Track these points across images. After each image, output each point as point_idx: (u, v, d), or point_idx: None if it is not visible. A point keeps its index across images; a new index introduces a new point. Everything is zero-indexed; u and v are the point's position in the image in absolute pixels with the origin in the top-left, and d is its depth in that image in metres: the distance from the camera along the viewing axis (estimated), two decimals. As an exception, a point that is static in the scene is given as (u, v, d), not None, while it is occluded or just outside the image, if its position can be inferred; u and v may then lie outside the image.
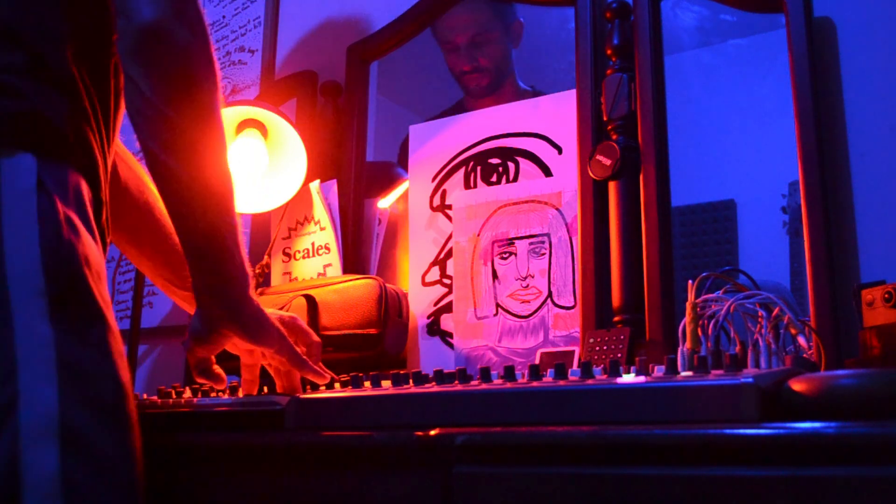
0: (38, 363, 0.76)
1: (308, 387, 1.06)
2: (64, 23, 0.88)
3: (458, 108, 1.65)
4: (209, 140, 0.89)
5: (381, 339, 1.37)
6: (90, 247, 0.84)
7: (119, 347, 0.84)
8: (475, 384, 0.90)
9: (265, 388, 1.06)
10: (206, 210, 0.89)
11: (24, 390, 0.74)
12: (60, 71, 0.87)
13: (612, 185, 1.29)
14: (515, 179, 1.45)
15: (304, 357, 1.01)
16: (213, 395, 1.11)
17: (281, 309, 1.40)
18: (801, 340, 1.02)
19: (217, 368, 1.01)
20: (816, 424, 0.68)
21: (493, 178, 1.47)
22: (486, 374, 0.92)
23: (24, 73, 0.83)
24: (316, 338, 1.06)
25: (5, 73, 0.82)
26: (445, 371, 0.95)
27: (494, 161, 1.48)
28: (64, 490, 0.74)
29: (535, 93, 1.54)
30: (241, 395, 1.05)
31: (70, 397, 0.76)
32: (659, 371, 0.83)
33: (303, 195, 1.62)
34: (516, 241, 1.39)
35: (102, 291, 0.84)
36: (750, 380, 0.72)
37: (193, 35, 0.87)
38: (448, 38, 1.65)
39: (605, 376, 0.85)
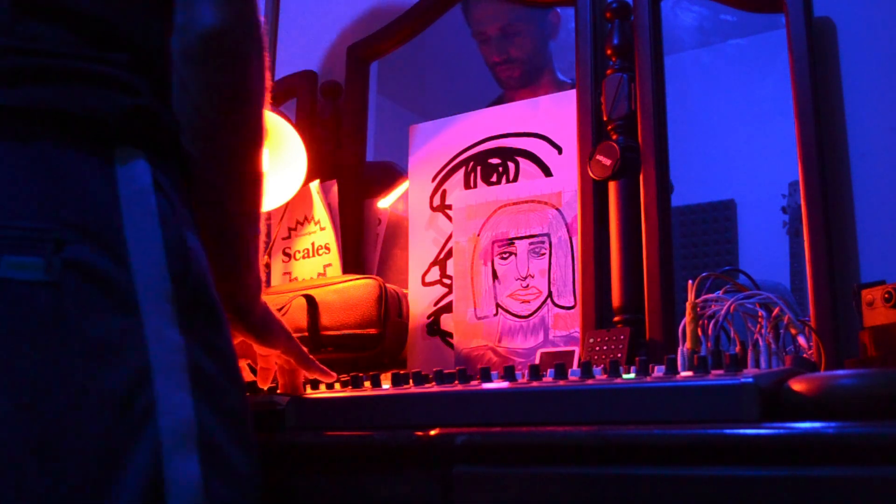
0: (172, 370, 0.73)
1: (308, 386, 1.06)
2: (154, 20, 0.85)
3: (498, 103, 1.62)
4: (250, 151, 0.87)
5: (381, 339, 1.37)
6: (200, 247, 0.83)
7: (234, 349, 0.83)
8: (475, 384, 0.90)
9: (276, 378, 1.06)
10: (234, 217, 0.88)
11: (162, 396, 0.72)
12: (158, 68, 0.84)
13: (612, 185, 1.29)
14: (515, 179, 1.45)
15: (311, 357, 1.01)
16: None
17: (280, 310, 1.41)
18: (801, 340, 1.03)
19: None
20: (816, 424, 0.69)
21: (493, 178, 1.47)
22: (486, 374, 0.92)
23: (131, 69, 0.81)
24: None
25: (116, 68, 0.79)
26: (445, 371, 0.95)
27: (494, 161, 1.48)
28: (207, 499, 0.72)
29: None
30: (258, 383, 1.05)
31: (203, 405, 0.75)
32: (659, 371, 0.83)
33: (303, 195, 1.62)
34: (516, 241, 1.39)
35: (215, 293, 0.82)
36: (750, 380, 0.72)
37: (253, 46, 0.85)
38: (479, 30, 1.63)
39: (605, 376, 0.85)
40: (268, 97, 0.89)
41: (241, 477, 0.78)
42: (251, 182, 0.89)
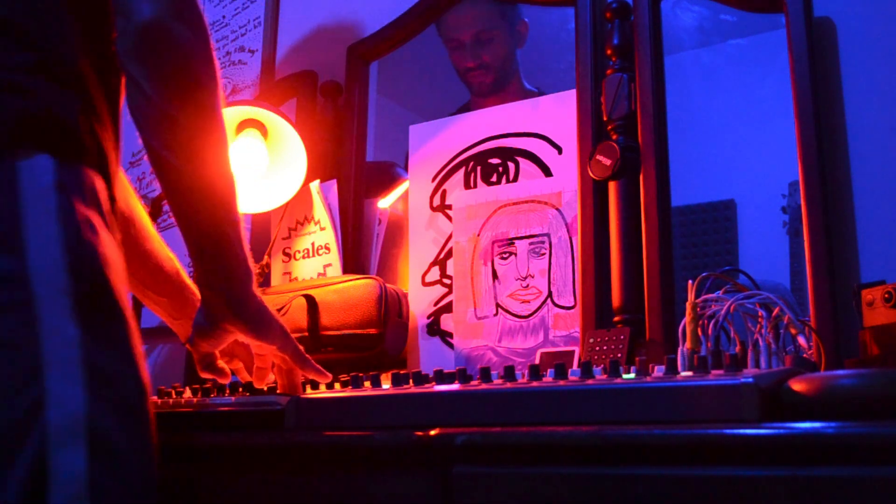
0: (65, 363, 0.75)
1: (308, 386, 1.06)
2: (69, 21, 0.88)
3: (465, 110, 1.64)
4: (211, 137, 0.89)
5: (381, 339, 1.37)
6: (109, 246, 0.84)
7: (139, 347, 0.84)
8: (475, 384, 0.90)
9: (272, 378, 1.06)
10: (208, 206, 0.89)
11: (52, 390, 0.74)
12: (69, 69, 0.87)
13: (612, 185, 1.29)
14: (515, 179, 1.45)
15: (307, 356, 1.01)
16: (213, 395, 1.11)
17: (280, 310, 1.41)
18: (801, 340, 1.03)
19: (221, 363, 1.02)
20: (816, 424, 0.69)
21: (493, 178, 1.47)
22: (486, 374, 0.92)
23: (35, 72, 0.83)
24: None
25: (16, 72, 0.82)
26: (445, 371, 0.95)
27: (494, 161, 1.48)
28: (91, 492, 0.73)
29: (541, 94, 1.54)
30: (254, 384, 1.05)
31: (95, 398, 0.76)
32: (659, 371, 0.83)
33: (303, 195, 1.62)
34: (516, 241, 1.39)
35: (122, 291, 0.84)
36: (750, 380, 0.72)
37: (193, 33, 0.87)
38: (452, 36, 1.64)
39: (605, 376, 0.85)
40: (219, 82, 0.90)
41: (132, 470, 0.78)
42: (219, 168, 0.90)
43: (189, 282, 1.17)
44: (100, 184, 0.87)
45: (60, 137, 0.83)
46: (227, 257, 0.91)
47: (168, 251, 1.17)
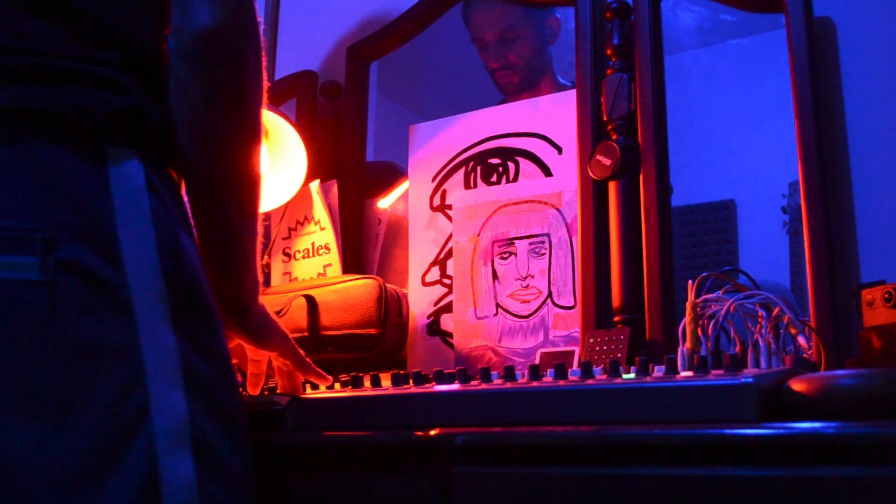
0: (165, 370, 0.74)
1: (308, 387, 1.06)
2: (148, 18, 0.85)
3: None
4: (247, 151, 0.87)
5: (381, 339, 1.37)
6: (194, 247, 0.83)
7: (227, 349, 0.83)
8: (475, 384, 0.90)
9: (271, 383, 1.06)
10: (231, 217, 0.87)
11: (155, 396, 0.72)
12: (150, 67, 0.84)
13: (612, 185, 1.29)
14: (515, 179, 1.45)
15: (308, 360, 1.01)
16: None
17: (280, 310, 1.41)
18: (801, 340, 1.03)
19: None
20: (816, 424, 0.69)
21: (493, 178, 1.47)
22: (486, 374, 0.92)
23: (122, 68, 0.80)
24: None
25: (107, 67, 0.79)
26: (445, 371, 0.95)
27: (494, 161, 1.48)
28: (202, 500, 0.73)
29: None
30: (247, 391, 1.05)
31: (196, 405, 0.75)
32: (659, 371, 0.83)
33: (303, 195, 1.62)
34: (516, 241, 1.39)
35: (209, 293, 0.82)
36: (750, 380, 0.72)
37: (250, 45, 0.84)
38: (478, 36, 1.63)
39: (605, 376, 0.85)
40: (265, 97, 0.89)
41: (234, 476, 0.78)
42: (249, 182, 0.88)
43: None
44: (179, 183, 0.85)
45: (150, 137, 0.81)
46: (241, 268, 0.89)
47: None
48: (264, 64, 0.88)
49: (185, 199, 0.87)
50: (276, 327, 0.96)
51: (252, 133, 0.87)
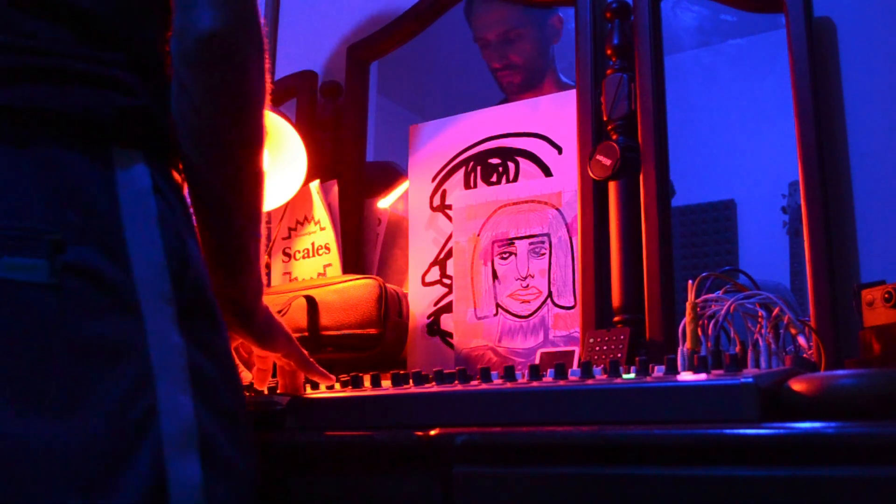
0: (173, 371, 0.74)
1: (308, 386, 1.06)
2: (147, 16, 0.85)
3: None
4: (251, 154, 0.87)
5: (381, 339, 1.37)
6: (198, 249, 0.82)
7: (231, 350, 0.84)
8: (475, 384, 0.90)
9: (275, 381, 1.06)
10: (234, 220, 0.87)
11: (163, 398, 0.72)
12: (155, 68, 0.84)
13: (612, 185, 1.29)
14: (515, 179, 1.45)
15: (311, 360, 1.01)
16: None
17: (280, 310, 1.41)
18: (801, 340, 1.03)
19: None
20: (816, 424, 0.69)
21: (493, 178, 1.47)
22: (486, 374, 0.92)
23: (128, 69, 0.80)
24: None
25: (113, 67, 0.79)
26: (445, 371, 0.95)
27: (494, 161, 1.48)
28: (207, 502, 0.73)
29: None
30: (254, 385, 1.05)
31: (203, 407, 0.75)
32: (659, 371, 0.83)
33: (303, 195, 1.62)
34: (516, 241, 1.39)
35: (213, 295, 0.82)
36: (750, 380, 0.72)
37: (253, 48, 0.84)
38: (480, 35, 1.64)
39: (605, 376, 0.85)
40: (268, 99, 0.89)
41: (240, 477, 0.78)
42: (252, 184, 0.88)
43: None
44: (182, 185, 0.85)
45: (156, 138, 0.81)
46: (245, 272, 0.89)
47: None
48: (267, 66, 0.87)
49: (189, 201, 0.87)
50: (280, 329, 0.96)
51: (255, 136, 0.87)
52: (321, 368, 1.02)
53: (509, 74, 1.61)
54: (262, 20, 0.87)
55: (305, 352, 1.01)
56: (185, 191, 0.88)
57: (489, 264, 1.40)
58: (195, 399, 0.74)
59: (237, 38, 0.82)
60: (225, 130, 0.84)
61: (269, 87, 0.88)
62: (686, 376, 0.78)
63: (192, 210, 0.89)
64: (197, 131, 0.83)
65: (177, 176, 0.85)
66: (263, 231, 0.91)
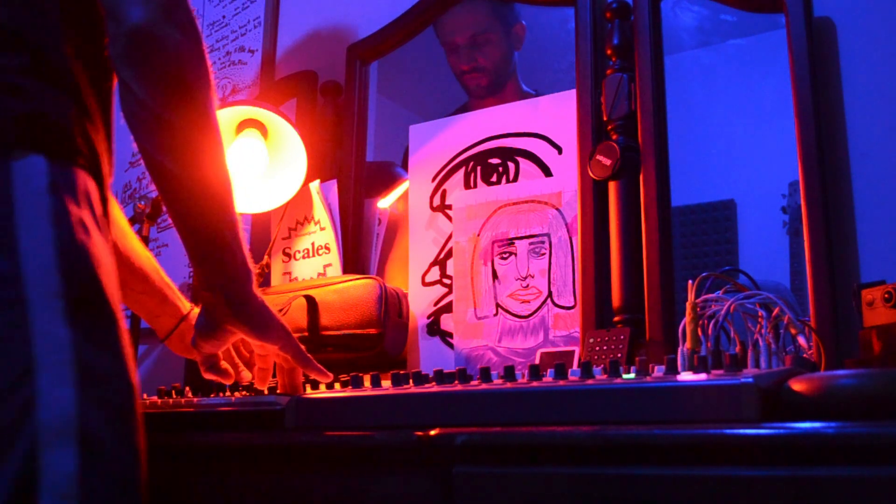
0: (56, 365, 0.75)
1: (308, 386, 1.06)
2: (62, 22, 0.88)
3: (463, 111, 1.65)
4: (205, 140, 0.89)
5: (381, 339, 1.37)
6: (101, 247, 0.84)
7: (129, 348, 0.85)
8: (475, 384, 0.90)
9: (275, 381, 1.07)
10: (205, 209, 0.89)
11: (42, 391, 0.74)
12: (62, 70, 0.87)
13: (612, 185, 1.29)
14: (515, 179, 1.45)
15: (309, 355, 1.01)
16: (213, 395, 1.12)
17: (280, 310, 1.41)
18: (801, 340, 1.02)
19: (224, 364, 1.03)
20: (816, 424, 0.69)
21: (493, 178, 1.47)
22: (486, 374, 0.92)
23: (28, 73, 0.83)
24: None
25: (10, 73, 0.82)
26: (445, 371, 0.95)
27: (494, 161, 1.48)
28: (81, 492, 0.74)
29: (538, 95, 1.54)
30: (255, 385, 1.05)
31: (86, 400, 0.76)
32: (659, 371, 0.83)
33: (303, 195, 1.62)
34: (516, 241, 1.39)
35: (113, 292, 0.84)
36: (750, 380, 0.72)
37: (184, 36, 0.86)
38: (448, 39, 1.65)
39: (605, 376, 0.85)
40: (212, 81, 0.90)
41: (121, 471, 0.79)
42: (213, 168, 0.90)
43: (168, 280, 1.18)
44: (92, 185, 0.87)
45: (54, 139, 0.83)
46: (226, 259, 0.91)
47: (144, 249, 1.17)
48: (205, 51, 0.89)
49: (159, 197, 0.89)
50: (275, 320, 0.97)
51: (204, 120, 0.89)
52: (318, 365, 1.02)
53: (477, 77, 1.64)
54: (193, 9, 0.89)
55: (303, 347, 1.01)
56: (103, 190, 0.90)
57: (489, 264, 1.40)
58: (78, 391, 0.76)
59: (165, 28, 0.85)
60: (174, 119, 0.86)
61: (209, 70, 0.90)
62: (686, 376, 0.78)
63: (164, 206, 0.91)
64: (148, 125, 0.86)
65: (84, 175, 0.86)
66: (238, 217, 0.93)
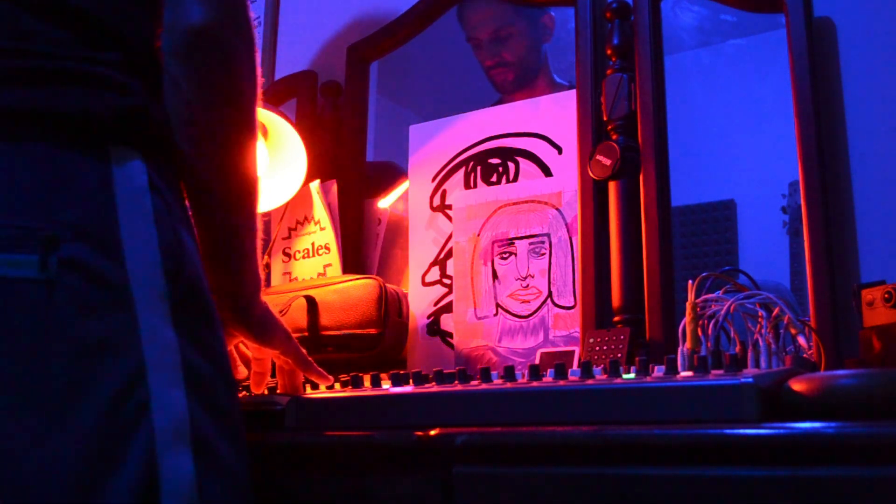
0: (166, 367, 0.74)
1: (308, 386, 1.06)
2: (147, 19, 0.86)
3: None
4: (243, 147, 0.88)
5: (381, 339, 1.37)
6: (195, 246, 0.83)
7: (226, 348, 0.84)
8: (475, 384, 0.90)
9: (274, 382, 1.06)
10: (229, 214, 0.88)
11: (156, 393, 0.73)
12: (150, 67, 0.85)
13: (612, 185, 1.29)
14: (515, 179, 1.45)
15: (310, 359, 1.01)
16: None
17: (280, 310, 1.41)
18: (801, 340, 1.03)
19: None
20: (816, 424, 0.69)
21: (493, 178, 1.47)
22: (486, 374, 0.92)
23: (123, 69, 0.81)
24: None
25: (109, 67, 0.79)
26: (445, 371, 0.95)
27: (494, 161, 1.48)
28: (201, 497, 0.73)
29: (572, 87, 1.52)
30: (251, 389, 1.05)
31: (195, 403, 0.75)
32: (659, 371, 0.83)
33: (303, 195, 1.62)
34: (516, 241, 1.39)
35: (209, 292, 0.83)
36: (750, 380, 0.72)
37: (242, 41, 0.85)
38: (472, 35, 1.64)
39: (605, 376, 0.85)
40: (259, 93, 0.90)
41: (232, 474, 0.78)
42: (246, 178, 0.89)
43: None
44: (181, 183, 0.86)
45: (153, 137, 0.81)
46: (241, 265, 0.90)
47: None
48: (258, 60, 0.88)
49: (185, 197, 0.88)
50: (278, 325, 0.97)
51: (247, 129, 0.88)
52: (319, 368, 1.02)
53: (502, 72, 1.62)
54: (252, 15, 0.88)
55: (304, 351, 1.01)
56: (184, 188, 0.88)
57: (489, 264, 1.40)
58: (188, 394, 0.75)
59: (225, 31, 0.84)
60: (216, 123, 0.85)
61: (260, 80, 0.89)
62: (686, 376, 0.78)
63: (189, 206, 0.90)
64: (189, 126, 0.84)
65: (175, 173, 0.85)
66: (260, 226, 0.92)
